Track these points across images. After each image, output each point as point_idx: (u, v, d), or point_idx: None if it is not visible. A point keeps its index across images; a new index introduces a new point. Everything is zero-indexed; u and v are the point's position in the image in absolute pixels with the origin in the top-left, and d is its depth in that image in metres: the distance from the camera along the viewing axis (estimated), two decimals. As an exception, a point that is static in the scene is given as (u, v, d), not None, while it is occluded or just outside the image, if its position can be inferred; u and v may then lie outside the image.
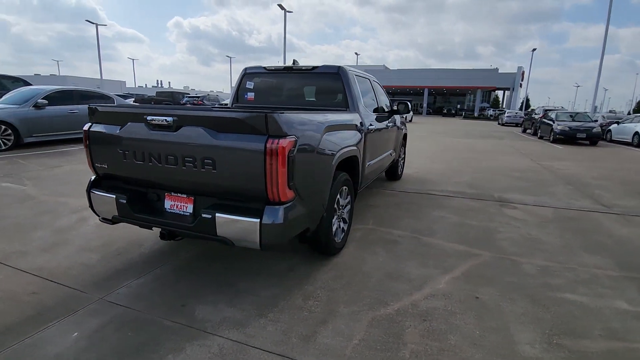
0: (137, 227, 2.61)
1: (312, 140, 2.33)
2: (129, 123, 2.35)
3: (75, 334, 1.97)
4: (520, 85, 46.04)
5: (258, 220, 2.06)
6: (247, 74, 4.01)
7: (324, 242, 2.79)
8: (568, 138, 13.34)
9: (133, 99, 19.95)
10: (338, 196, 2.90)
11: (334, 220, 2.87)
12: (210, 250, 3.05)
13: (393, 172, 5.85)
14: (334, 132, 2.71)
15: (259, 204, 2.12)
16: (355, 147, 3.17)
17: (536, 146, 12.74)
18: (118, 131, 2.39)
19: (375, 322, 2.12)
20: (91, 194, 2.59)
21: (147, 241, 3.18)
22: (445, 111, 49.07)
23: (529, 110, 26.56)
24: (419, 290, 2.49)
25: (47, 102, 7.69)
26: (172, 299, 2.34)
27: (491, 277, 2.70)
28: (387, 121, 4.55)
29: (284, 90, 3.94)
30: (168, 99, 20.43)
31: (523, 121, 22.21)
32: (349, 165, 3.24)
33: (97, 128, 2.50)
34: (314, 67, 3.66)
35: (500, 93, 59.12)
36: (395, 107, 5.01)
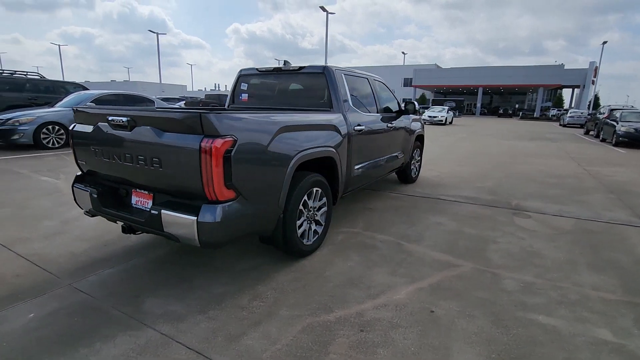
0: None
1: (260, 141, 2.32)
2: (98, 123, 2.53)
3: (32, 314, 2.16)
4: (593, 83, 41.65)
5: (195, 218, 2.10)
6: (242, 76, 4.10)
7: (287, 244, 2.76)
8: (633, 141, 11.79)
9: (184, 102, 21.29)
10: (305, 198, 2.86)
11: (300, 222, 2.83)
12: (187, 246, 3.16)
13: (405, 175, 5.61)
14: (296, 132, 2.66)
15: (200, 202, 2.16)
16: (330, 149, 3.10)
17: (593, 150, 11.45)
18: (90, 131, 2.59)
19: (309, 329, 2.06)
20: (74, 188, 2.82)
21: (135, 235, 3.38)
22: (501, 111, 45.93)
23: (595, 110, 23.88)
24: (372, 299, 2.37)
25: (94, 105, 8.51)
26: (131, 289, 2.46)
27: (460, 291, 2.48)
28: (388, 122, 4.38)
29: (274, 91, 3.97)
30: (215, 100, 21.57)
31: (586, 122, 20.06)
32: (326, 166, 3.19)
33: (78, 128, 2.72)
34: (301, 68, 3.64)
35: (567, 91, 53.93)
36: (403, 107, 4.83)
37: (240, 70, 4.12)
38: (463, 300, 2.36)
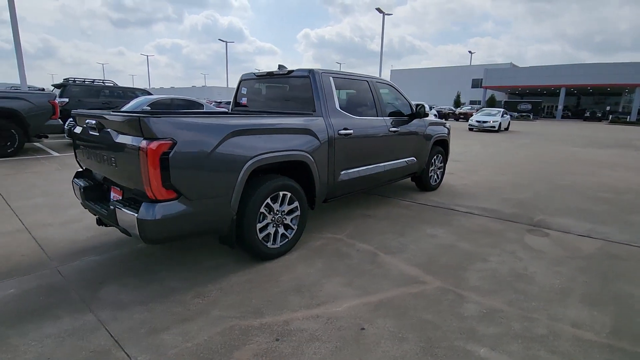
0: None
1: (203, 144, 2.39)
2: (84, 125, 2.84)
3: (12, 290, 2.49)
4: None
5: (136, 215, 2.25)
6: (243, 80, 4.25)
7: (245, 246, 2.81)
8: None
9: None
10: (269, 201, 2.87)
11: (262, 225, 2.85)
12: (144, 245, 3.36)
13: (422, 182, 5.30)
14: (252, 136, 2.69)
15: (145, 200, 2.31)
16: (302, 153, 3.07)
17: (687, 160, 9.57)
18: (79, 132, 2.91)
19: (228, 331, 2.07)
20: (73, 183, 3.20)
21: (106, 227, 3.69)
22: (587, 114, 40.59)
23: None
24: (308, 309, 2.30)
25: (150, 109, 9.46)
26: (100, 276, 2.71)
27: (407, 310, 2.29)
28: (392, 126, 4.19)
29: (269, 94, 4.05)
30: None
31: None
32: (300, 170, 3.17)
33: (74, 129, 3.08)
34: (290, 72, 3.66)
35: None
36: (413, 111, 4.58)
37: (242, 75, 4.27)
38: (404, 321, 2.18)
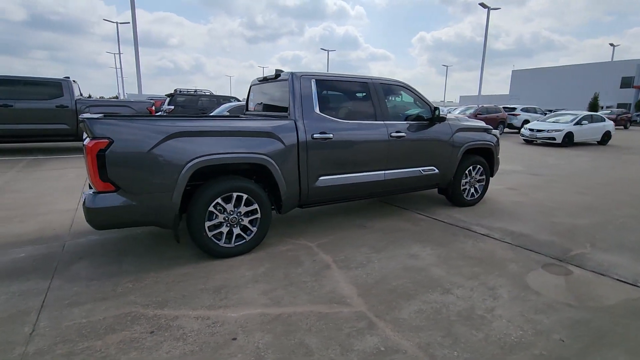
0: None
1: (140, 144, 2.61)
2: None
3: (23, 254, 3.15)
4: None
5: (84, 202, 2.61)
6: (252, 86, 4.44)
7: (195, 241, 2.96)
8: None
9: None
10: (220, 201, 2.96)
11: (212, 223, 2.96)
12: (157, 229, 3.74)
13: (450, 195, 4.67)
14: (195, 137, 2.81)
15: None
16: (260, 156, 3.07)
17: None
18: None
19: (123, 316, 2.22)
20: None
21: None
22: None
23: None
24: (208, 310, 2.31)
25: (228, 114, 10.57)
26: (84, 252, 3.19)
27: (298, 330, 2.09)
28: (394, 131, 3.84)
29: (264, 98, 4.13)
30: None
31: None
32: (264, 173, 3.19)
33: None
34: (277, 76, 3.69)
35: None
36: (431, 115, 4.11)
37: (252, 81, 4.47)
38: (282, 340, 2.00)
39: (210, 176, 3.02)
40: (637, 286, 2.66)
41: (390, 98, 4.10)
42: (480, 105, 17.67)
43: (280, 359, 1.86)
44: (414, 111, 4.17)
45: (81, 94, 9.51)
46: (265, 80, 4.01)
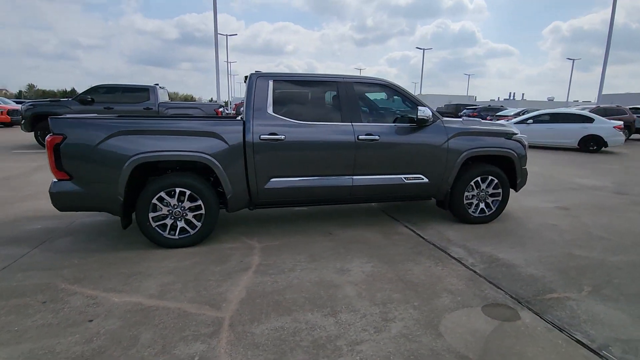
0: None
1: (88, 140, 2.99)
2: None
3: (39, 226, 3.94)
4: None
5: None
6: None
7: (141, 230, 3.26)
8: None
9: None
10: (163, 195, 3.20)
11: (154, 215, 3.21)
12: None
13: (453, 210, 4.04)
14: (139, 135, 3.08)
15: (61, 179, 3.17)
16: (202, 154, 3.19)
17: None
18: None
19: (37, 285, 2.57)
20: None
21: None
22: None
23: None
24: (105, 292, 2.53)
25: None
26: (73, 231, 3.82)
27: (147, 322, 2.15)
28: (362, 134, 3.55)
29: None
30: (451, 111, 20.80)
31: None
32: (204, 170, 3.32)
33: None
34: (246, 78, 3.75)
35: None
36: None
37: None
38: (124, 329, 2.09)
39: (164, 172, 3.28)
40: (598, 354, 1.92)
41: (366, 98, 3.77)
42: (596, 106, 14.50)
43: (103, 346, 1.95)
44: (402, 113, 3.75)
45: (170, 98, 11.17)
46: (245, 80, 4.13)
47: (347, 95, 3.63)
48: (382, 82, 3.80)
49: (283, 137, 3.37)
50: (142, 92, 9.74)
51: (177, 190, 3.23)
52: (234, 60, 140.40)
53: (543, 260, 3.12)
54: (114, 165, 3.07)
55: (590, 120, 11.19)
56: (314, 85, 3.67)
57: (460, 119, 4.03)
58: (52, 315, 2.24)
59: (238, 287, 2.62)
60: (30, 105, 9.37)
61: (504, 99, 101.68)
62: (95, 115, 3.87)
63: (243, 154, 3.32)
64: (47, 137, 3.00)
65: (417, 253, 3.26)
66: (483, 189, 4.03)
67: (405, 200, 4.02)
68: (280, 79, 3.52)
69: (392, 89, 3.82)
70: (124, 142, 3.08)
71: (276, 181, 3.46)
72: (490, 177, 4.00)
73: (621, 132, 11.10)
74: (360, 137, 3.55)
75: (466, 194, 3.98)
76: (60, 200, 3.10)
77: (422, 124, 3.65)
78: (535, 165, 8.32)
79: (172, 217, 3.28)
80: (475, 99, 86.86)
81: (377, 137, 3.59)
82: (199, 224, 3.34)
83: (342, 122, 3.57)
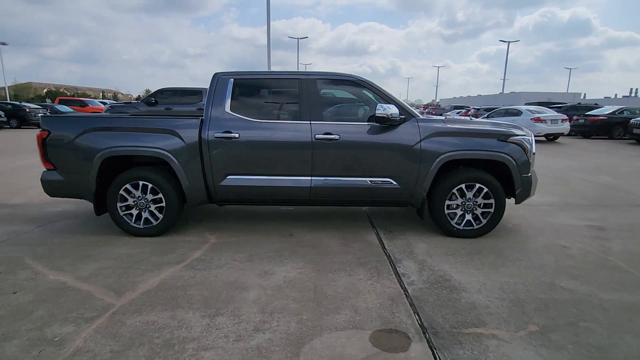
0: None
1: (66, 135, 3.39)
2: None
3: (60, 208, 4.60)
4: None
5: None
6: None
7: (111, 217, 3.58)
8: None
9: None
10: (129, 187, 3.48)
11: (122, 205, 3.51)
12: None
13: (435, 220, 3.60)
14: (107, 132, 3.39)
15: (52, 169, 3.66)
16: (159, 151, 3.39)
17: None
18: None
19: (4, 259, 3.06)
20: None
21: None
22: None
23: None
24: (49, 269, 2.85)
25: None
26: (67, 214, 4.37)
27: (50, 298, 2.36)
28: (316, 132, 3.38)
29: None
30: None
31: None
32: (165, 166, 3.51)
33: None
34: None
35: None
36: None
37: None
38: (31, 303, 2.33)
39: (135, 165, 3.57)
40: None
41: (332, 96, 3.56)
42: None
43: (2, 315, 2.21)
44: (355, 110, 3.47)
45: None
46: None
47: (308, 93, 3.48)
48: (350, 77, 3.55)
49: (237, 135, 3.38)
50: (196, 94, 10.66)
51: (141, 183, 3.48)
52: (309, 62, 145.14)
53: (506, 288, 2.58)
54: (87, 158, 3.43)
55: None
56: (274, 84, 3.61)
57: (442, 118, 3.55)
58: (-6, 284, 2.61)
59: (156, 279, 2.71)
60: (109, 106, 10.98)
61: (623, 96, 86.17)
62: (76, 112, 4.36)
63: (199, 151, 3.42)
64: (37, 132, 3.50)
65: (360, 264, 2.97)
66: (470, 198, 3.49)
67: (378, 205, 3.70)
68: (242, 78, 3.54)
69: (361, 86, 3.54)
70: (95, 137, 3.43)
71: (233, 179, 3.49)
72: (477, 185, 3.45)
73: None
74: (317, 136, 3.37)
75: (448, 202, 3.50)
76: (47, 187, 3.58)
77: (381, 122, 3.31)
78: (609, 175, 6.90)
79: (137, 208, 3.55)
80: (585, 97, 75.10)
81: (336, 137, 3.37)
82: (160, 216, 3.54)
83: (300, 120, 3.44)
